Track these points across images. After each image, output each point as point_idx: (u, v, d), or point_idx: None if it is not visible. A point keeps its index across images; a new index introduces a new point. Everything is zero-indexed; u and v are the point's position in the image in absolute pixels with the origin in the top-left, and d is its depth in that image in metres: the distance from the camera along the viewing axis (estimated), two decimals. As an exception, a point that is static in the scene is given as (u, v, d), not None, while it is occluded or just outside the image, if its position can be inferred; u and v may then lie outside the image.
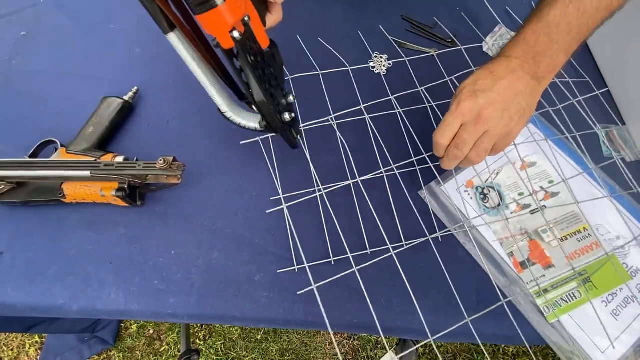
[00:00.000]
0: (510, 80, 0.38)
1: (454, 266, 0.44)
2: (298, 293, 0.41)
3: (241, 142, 0.49)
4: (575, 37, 0.39)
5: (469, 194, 0.47)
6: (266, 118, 0.37)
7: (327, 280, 0.42)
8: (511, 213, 0.46)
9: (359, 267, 0.42)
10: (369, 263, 0.43)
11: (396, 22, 0.59)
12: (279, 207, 0.46)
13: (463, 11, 0.64)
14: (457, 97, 0.39)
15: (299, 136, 0.44)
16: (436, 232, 0.45)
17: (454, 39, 0.59)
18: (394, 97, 0.54)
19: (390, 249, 0.44)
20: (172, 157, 0.42)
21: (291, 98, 0.39)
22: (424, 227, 0.46)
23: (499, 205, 0.46)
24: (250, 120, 0.40)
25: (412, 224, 0.46)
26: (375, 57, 0.57)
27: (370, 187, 0.48)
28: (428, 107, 0.53)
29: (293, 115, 0.39)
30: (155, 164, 0.42)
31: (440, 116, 0.51)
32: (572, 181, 0.48)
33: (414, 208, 0.47)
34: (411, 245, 0.44)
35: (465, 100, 0.38)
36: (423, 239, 0.45)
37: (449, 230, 0.45)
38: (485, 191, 0.47)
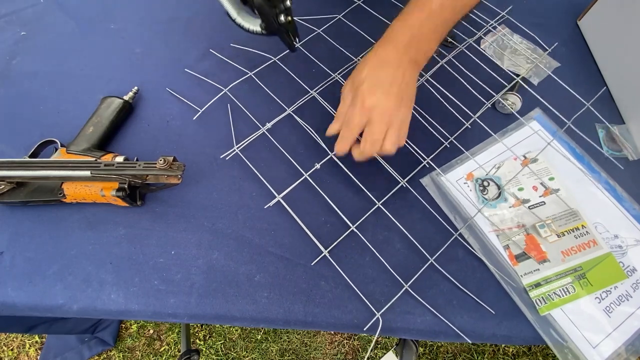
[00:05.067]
0: (399, 70, 0.41)
1: (454, 265, 0.44)
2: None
3: (221, 156, 0.49)
4: (447, 30, 0.43)
5: (468, 186, 0.48)
6: (264, 19, 0.41)
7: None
8: (509, 207, 0.47)
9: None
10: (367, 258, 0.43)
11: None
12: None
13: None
14: (358, 92, 0.41)
15: (297, 39, 0.46)
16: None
17: (453, 40, 0.59)
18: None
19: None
20: (172, 157, 0.42)
21: (288, 2, 0.41)
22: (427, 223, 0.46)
23: (498, 197, 0.46)
24: (253, 24, 0.44)
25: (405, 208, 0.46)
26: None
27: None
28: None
29: (290, 18, 0.41)
30: (155, 164, 0.42)
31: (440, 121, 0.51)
32: (572, 179, 0.48)
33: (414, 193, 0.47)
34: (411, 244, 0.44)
35: (368, 97, 0.40)
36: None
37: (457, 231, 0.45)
38: (485, 183, 0.47)
